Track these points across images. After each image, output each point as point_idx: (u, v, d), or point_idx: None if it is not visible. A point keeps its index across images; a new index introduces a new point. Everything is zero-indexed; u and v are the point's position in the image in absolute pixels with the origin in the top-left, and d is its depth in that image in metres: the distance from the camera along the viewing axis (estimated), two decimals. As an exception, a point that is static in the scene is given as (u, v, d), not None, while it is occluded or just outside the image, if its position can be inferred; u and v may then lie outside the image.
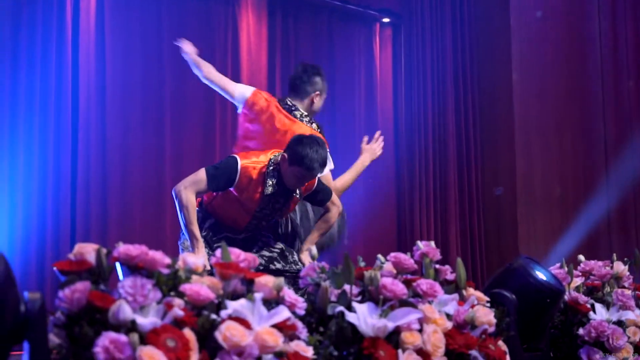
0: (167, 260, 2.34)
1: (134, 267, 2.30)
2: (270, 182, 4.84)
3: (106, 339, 2.06)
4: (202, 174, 4.82)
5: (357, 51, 9.14)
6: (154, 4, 7.54)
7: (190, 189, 4.78)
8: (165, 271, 2.33)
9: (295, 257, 5.14)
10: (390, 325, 2.55)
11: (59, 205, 6.79)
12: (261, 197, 4.87)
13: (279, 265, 5.06)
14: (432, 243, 3.09)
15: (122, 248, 2.29)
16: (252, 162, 4.88)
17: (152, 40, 7.53)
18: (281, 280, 2.49)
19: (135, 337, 2.08)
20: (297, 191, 4.97)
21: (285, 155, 4.78)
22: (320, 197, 5.13)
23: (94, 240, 6.87)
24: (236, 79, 7.97)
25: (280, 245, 5.14)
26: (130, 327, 2.15)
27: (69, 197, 6.90)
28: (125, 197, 7.21)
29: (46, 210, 6.69)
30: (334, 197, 5.18)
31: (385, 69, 9.36)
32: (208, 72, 5.55)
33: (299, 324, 2.47)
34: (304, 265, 4.99)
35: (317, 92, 5.43)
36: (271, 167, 4.86)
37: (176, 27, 7.40)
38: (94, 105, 7.08)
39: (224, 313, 2.32)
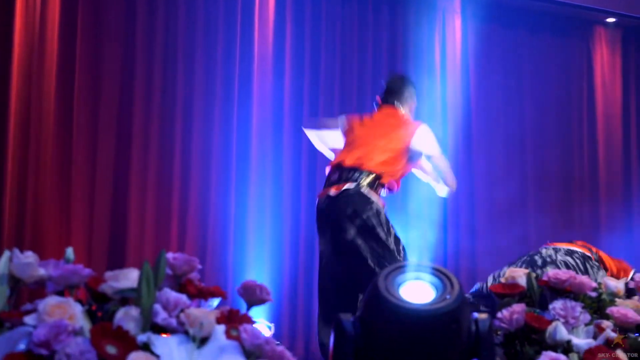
0: (594, 284, 2.30)
1: (562, 291, 2.28)
2: None
3: (547, 357, 2.06)
4: None
5: None
6: (514, 41, 7.59)
7: None
8: (592, 294, 2.30)
9: None
10: None
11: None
12: None
13: None
14: None
15: (552, 272, 2.28)
16: None
17: (513, 69, 7.59)
18: None
19: (575, 356, 2.06)
20: None
21: None
22: None
23: (463, 260, 7.02)
24: (591, 112, 7.86)
25: None
26: (566, 347, 2.13)
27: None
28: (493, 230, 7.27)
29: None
30: None
31: None
32: None
33: None
34: None
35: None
36: None
37: (534, 61, 7.46)
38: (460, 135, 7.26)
39: (652, 335, 2.24)
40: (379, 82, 6.68)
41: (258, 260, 6.46)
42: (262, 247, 6.51)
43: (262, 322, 6.29)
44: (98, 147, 6.10)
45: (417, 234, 6.32)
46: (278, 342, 5.21)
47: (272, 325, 6.28)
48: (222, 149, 6.48)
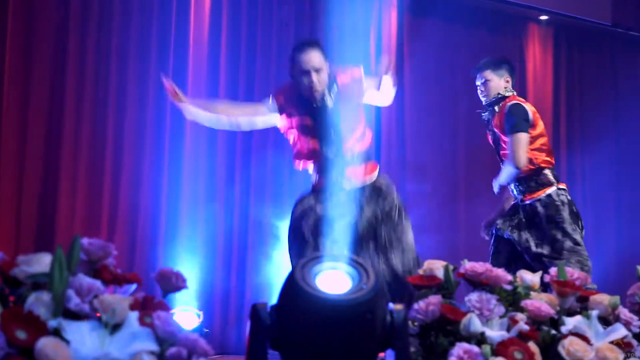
0: (509, 277, 2.33)
1: (478, 283, 2.31)
2: None
3: (460, 349, 2.09)
4: None
5: (642, 77, 8.84)
6: (448, 35, 7.65)
7: None
8: (508, 287, 2.33)
9: None
10: None
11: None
12: None
13: None
14: None
15: (469, 265, 2.31)
16: None
17: (447, 63, 7.65)
18: (617, 298, 2.42)
19: (487, 348, 2.09)
20: None
21: None
22: None
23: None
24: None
25: None
26: (479, 338, 2.16)
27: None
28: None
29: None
30: None
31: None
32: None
33: (634, 342, 2.39)
34: None
35: None
36: None
37: (469, 55, 7.53)
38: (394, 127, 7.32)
39: (564, 329, 2.28)
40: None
41: (191, 247, 6.42)
42: (195, 235, 6.47)
43: (191, 310, 6.26)
44: (27, 137, 5.98)
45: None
46: (207, 330, 5.18)
47: (201, 313, 6.25)
48: (155, 139, 6.41)
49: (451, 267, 2.34)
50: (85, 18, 6.23)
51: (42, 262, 1.75)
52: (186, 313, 6.24)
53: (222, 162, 6.66)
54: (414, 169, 7.37)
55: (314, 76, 4.24)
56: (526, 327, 2.20)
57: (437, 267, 2.33)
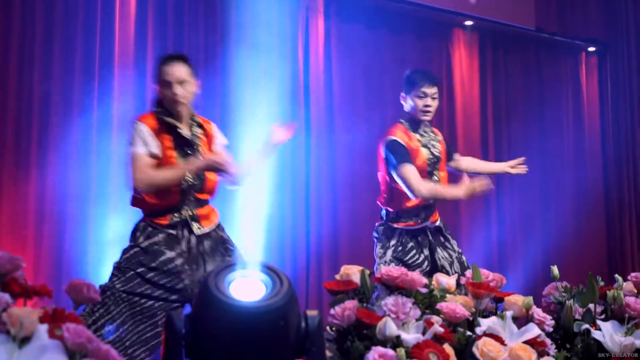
0: (425, 280, 2.37)
1: (394, 287, 2.34)
2: None
3: (375, 352, 2.11)
4: None
5: (564, 80, 9.01)
6: (376, 41, 7.70)
7: None
8: (423, 290, 2.37)
9: None
10: (638, 343, 2.47)
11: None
12: None
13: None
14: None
15: (384, 270, 2.34)
16: None
17: (375, 69, 7.69)
18: (530, 299, 2.47)
19: (402, 351, 2.11)
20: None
21: None
22: None
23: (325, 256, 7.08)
24: (450, 109, 8.05)
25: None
26: (395, 342, 2.19)
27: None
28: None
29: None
30: None
31: (592, 96, 9.17)
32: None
33: (548, 341, 2.44)
34: None
35: None
36: None
37: (395, 61, 7.59)
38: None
39: (479, 330, 2.32)
40: (242, 80, 6.68)
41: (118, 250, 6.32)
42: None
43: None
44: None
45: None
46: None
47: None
48: (81, 146, 6.32)
49: (368, 271, 2.37)
50: (5, 31, 6.13)
51: (-53, 277, 1.72)
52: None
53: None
54: (345, 179, 7.38)
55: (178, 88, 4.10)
56: (441, 330, 2.23)
57: (353, 272, 2.36)
